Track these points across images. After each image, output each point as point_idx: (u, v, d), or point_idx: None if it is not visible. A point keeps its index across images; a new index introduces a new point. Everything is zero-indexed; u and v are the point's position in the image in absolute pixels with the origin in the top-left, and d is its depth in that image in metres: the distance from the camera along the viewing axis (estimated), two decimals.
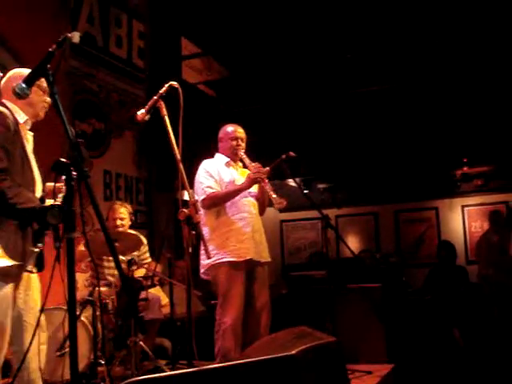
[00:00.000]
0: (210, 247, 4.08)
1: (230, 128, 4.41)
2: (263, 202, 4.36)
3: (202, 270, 4.24)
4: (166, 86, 3.41)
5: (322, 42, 7.75)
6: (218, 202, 4.20)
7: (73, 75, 6.24)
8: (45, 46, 2.34)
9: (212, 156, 4.49)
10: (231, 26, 7.98)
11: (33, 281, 3.09)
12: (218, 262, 4.12)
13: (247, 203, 4.25)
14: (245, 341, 4.07)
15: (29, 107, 3.15)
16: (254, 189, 4.28)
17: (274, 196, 4.04)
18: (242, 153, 4.30)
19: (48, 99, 3.18)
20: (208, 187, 4.19)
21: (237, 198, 4.19)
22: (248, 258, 4.13)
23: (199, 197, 4.19)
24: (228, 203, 4.20)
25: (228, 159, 4.38)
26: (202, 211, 4.19)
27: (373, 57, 7.60)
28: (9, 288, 2.93)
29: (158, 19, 7.78)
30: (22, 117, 3.12)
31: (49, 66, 2.29)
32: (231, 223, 4.18)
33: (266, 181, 4.14)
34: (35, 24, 5.56)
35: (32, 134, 3.22)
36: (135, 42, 7.45)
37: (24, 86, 2.32)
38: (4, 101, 3.14)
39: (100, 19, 6.78)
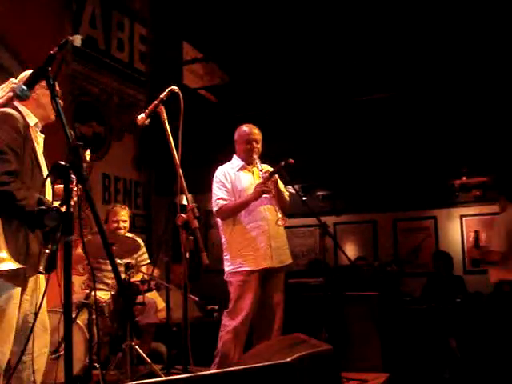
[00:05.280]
0: (228, 255, 4.25)
1: (244, 130, 4.39)
2: (279, 202, 4.28)
3: (225, 275, 4.29)
4: (167, 90, 3.41)
5: (324, 49, 7.76)
6: (229, 214, 4.25)
7: (74, 78, 6.25)
8: (47, 48, 2.33)
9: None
10: (233, 32, 7.99)
11: (40, 282, 3.11)
12: (234, 270, 4.18)
13: (263, 210, 4.25)
14: (257, 342, 4.11)
15: (40, 109, 3.17)
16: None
17: (279, 215, 4.08)
18: (255, 157, 4.29)
19: (59, 101, 3.18)
20: (220, 199, 4.24)
21: (252, 206, 4.20)
22: (264, 267, 4.16)
23: (213, 207, 4.28)
24: (243, 212, 4.22)
25: (243, 163, 4.38)
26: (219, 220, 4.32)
27: (373, 65, 7.61)
28: (16, 290, 2.95)
29: (160, 24, 7.80)
30: (32, 119, 3.14)
31: (50, 68, 2.29)
32: (247, 232, 4.20)
33: (274, 195, 4.16)
34: (38, 26, 5.58)
35: (43, 136, 3.24)
36: (137, 45, 7.47)
37: (24, 87, 2.31)
38: (15, 103, 3.15)
39: (102, 23, 6.80)
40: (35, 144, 3.12)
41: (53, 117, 3.23)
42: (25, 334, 2.97)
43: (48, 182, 3.14)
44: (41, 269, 2.77)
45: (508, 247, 5.32)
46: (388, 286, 6.92)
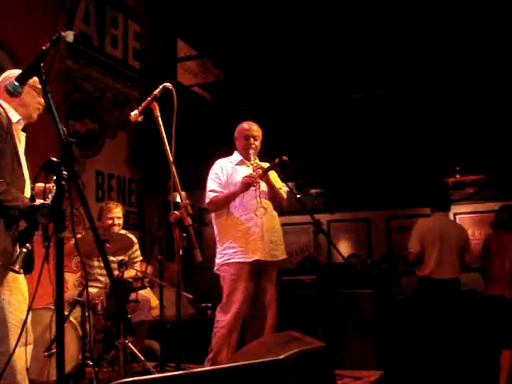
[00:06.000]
0: (220, 247, 4.27)
1: (243, 126, 4.42)
2: (274, 198, 4.33)
3: (215, 267, 4.30)
4: (160, 87, 3.40)
5: (318, 47, 7.76)
6: (218, 206, 4.29)
7: (68, 75, 6.22)
8: (41, 44, 2.31)
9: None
10: (227, 29, 7.98)
11: (19, 281, 3.05)
12: (226, 262, 4.18)
13: (256, 203, 4.22)
14: (250, 340, 4.11)
15: (22, 108, 3.13)
16: (265, 187, 4.25)
17: (259, 206, 4.05)
18: (252, 153, 4.29)
19: (42, 100, 3.15)
20: (211, 191, 4.28)
21: (246, 198, 4.20)
22: (255, 258, 4.15)
23: (206, 199, 4.33)
24: (237, 204, 4.24)
25: (241, 157, 4.41)
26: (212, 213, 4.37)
27: (367, 63, 7.61)
28: None
29: (154, 21, 7.78)
30: (15, 116, 3.10)
31: (42, 64, 2.27)
32: (239, 224, 4.21)
33: (259, 186, 4.12)
34: (32, 24, 5.55)
35: (24, 134, 3.20)
36: (131, 42, 7.45)
37: (16, 83, 2.30)
38: None
39: (96, 19, 6.78)
40: (17, 141, 3.08)
41: (35, 116, 3.21)
42: (6, 334, 2.93)
43: (28, 181, 3.11)
44: (16, 267, 2.70)
45: (421, 248, 5.74)
46: (381, 283, 6.93)
